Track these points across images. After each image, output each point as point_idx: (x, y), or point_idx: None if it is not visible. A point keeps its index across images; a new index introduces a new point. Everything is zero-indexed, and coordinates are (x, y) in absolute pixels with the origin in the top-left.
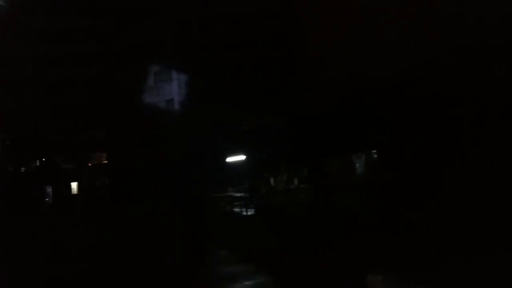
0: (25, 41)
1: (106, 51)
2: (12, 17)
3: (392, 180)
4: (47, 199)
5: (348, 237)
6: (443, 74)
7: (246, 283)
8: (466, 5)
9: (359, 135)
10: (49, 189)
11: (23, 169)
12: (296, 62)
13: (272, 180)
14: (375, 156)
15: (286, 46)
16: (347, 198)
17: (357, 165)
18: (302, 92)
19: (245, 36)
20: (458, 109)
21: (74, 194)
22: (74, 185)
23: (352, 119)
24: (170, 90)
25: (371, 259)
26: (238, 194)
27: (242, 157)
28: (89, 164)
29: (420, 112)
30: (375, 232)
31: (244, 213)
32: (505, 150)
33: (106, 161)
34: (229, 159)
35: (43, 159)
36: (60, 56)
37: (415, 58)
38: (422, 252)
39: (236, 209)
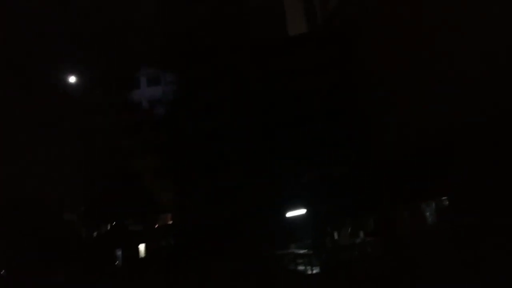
0: (95, 112)
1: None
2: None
3: (468, 226)
4: (117, 262)
5: None
6: None
7: None
8: None
9: (426, 182)
10: (119, 252)
11: (95, 233)
12: (360, 109)
13: (336, 234)
14: (446, 202)
15: (350, 94)
16: (418, 249)
17: (427, 213)
18: (365, 140)
19: (308, 86)
20: None
21: (142, 257)
22: (142, 247)
23: (418, 166)
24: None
25: None
26: (302, 251)
27: (303, 211)
28: (156, 226)
29: (488, 157)
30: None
31: (309, 271)
32: None
33: (171, 222)
34: (290, 213)
35: (113, 223)
36: (131, 123)
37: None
38: None
39: (300, 267)
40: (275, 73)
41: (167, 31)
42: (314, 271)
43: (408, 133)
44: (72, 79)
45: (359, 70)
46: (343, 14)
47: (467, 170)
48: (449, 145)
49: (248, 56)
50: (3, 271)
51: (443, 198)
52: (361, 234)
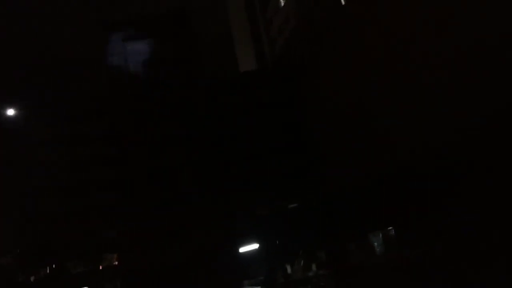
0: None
1: (122, 156)
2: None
3: (415, 258)
4: None
5: None
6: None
7: None
8: None
9: (375, 214)
10: None
11: (32, 278)
12: (309, 146)
13: (289, 268)
14: (393, 233)
15: (299, 131)
16: (370, 280)
17: (375, 244)
18: (315, 175)
19: (259, 121)
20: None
21: None
22: None
23: (367, 198)
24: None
25: None
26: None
27: (255, 246)
28: (100, 267)
29: (432, 189)
30: None
31: None
32: None
33: (117, 263)
34: (242, 249)
35: (53, 266)
36: (74, 160)
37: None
38: None
39: None
40: (225, 109)
41: (118, 68)
42: None
43: (355, 167)
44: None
45: (306, 106)
46: (290, 55)
47: (412, 203)
48: (395, 180)
49: (200, 92)
50: None
51: (390, 229)
52: (314, 267)
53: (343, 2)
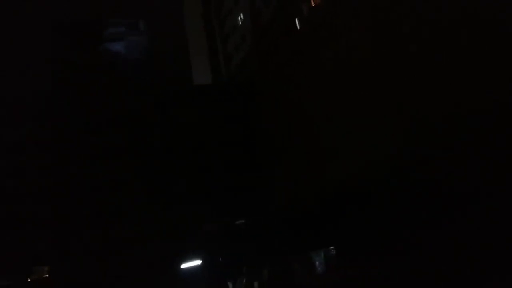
0: None
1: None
2: None
3: (355, 278)
4: None
5: None
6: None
7: None
8: None
9: (319, 233)
10: None
11: None
12: (259, 162)
13: (231, 286)
14: (333, 252)
15: (250, 147)
16: None
17: (317, 263)
18: (264, 191)
19: (209, 135)
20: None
21: None
22: None
23: (309, 218)
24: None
25: None
26: None
27: (198, 262)
28: (29, 280)
29: (374, 209)
30: None
31: None
32: None
33: (47, 276)
34: (185, 264)
35: None
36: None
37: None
38: None
39: None
40: (176, 120)
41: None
42: None
43: (301, 185)
44: None
45: (258, 122)
46: (244, 72)
47: (354, 221)
48: (341, 198)
49: (151, 102)
50: None
51: (331, 248)
52: (256, 285)
53: (298, 26)
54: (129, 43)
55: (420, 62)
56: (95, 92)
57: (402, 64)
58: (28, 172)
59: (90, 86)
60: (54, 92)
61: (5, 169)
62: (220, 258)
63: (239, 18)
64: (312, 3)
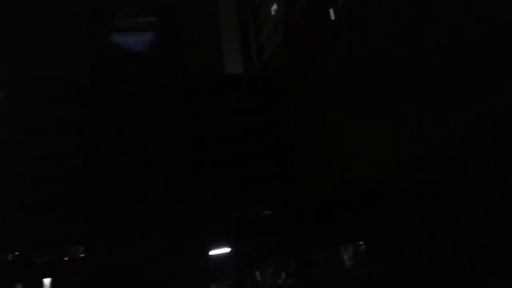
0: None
1: (95, 149)
2: None
3: (380, 273)
4: None
5: None
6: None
7: None
8: None
9: (347, 227)
10: (20, 287)
11: None
12: (288, 153)
13: (258, 275)
14: (363, 247)
15: (279, 138)
16: None
17: (345, 257)
18: (289, 183)
19: (238, 126)
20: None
21: None
22: (47, 282)
23: (340, 211)
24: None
25: None
26: None
27: (226, 250)
28: (66, 259)
29: (405, 205)
30: None
31: None
32: None
33: (83, 255)
34: (213, 252)
35: (15, 253)
36: (40, 150)
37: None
38: None
39: None
40: (206, 110)
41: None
42: None
43: (331, 178)
44: None
45: (288, 114)
46: (277, 63)
47: (386, 217)
48: (368, 193)
49: (181, 91)
50: None
51: (360, 243)
52: (283, 275)
53: (332, 17)
54: (162, 32)
55: (460, 61)
56: (127, 81)
57: (442, 61)
58: (63, 155)
59: (122, 75)
60: (86, 79)
61: (41, 152)
62: (248, 247)
63: (273, 8)
64: None
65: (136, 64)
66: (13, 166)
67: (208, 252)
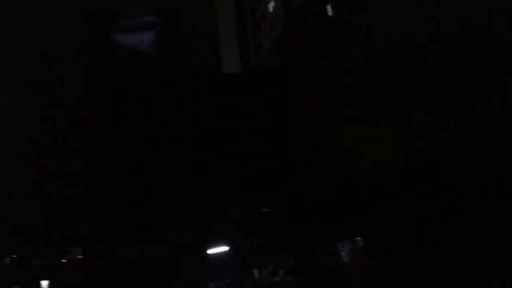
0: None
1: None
2: None
3: (379, 269)
4: None
5: None
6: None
7: None
8: None
9: (346, 225)
10: None
11: None
12: (286, 151)
13: (256, 272)
14: (360, 243)
15: (278, 136)
16: None
17: (343, 253)
18: (287, 181)
19: (236, 125)
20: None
21: None
22: (45, 284)
23: (338, 209)
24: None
25: None
26: None
27: (224, 248)
28: (64, 261)
29: (403, 202)
30: None
31: None
32: None
33: (81, 257)
34: (211, 251)
35: (13, 256)
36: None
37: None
38: None
39: None
40: (205, 108)
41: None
42: None
43: (331, 176)
44: None
45: (286, 112)
46: (274, 60)
47: (383, 213)
48: (368, 191)
49: (180, 90)
50: None
51: (358, 239)
52: (281, 273)
53: (330, 13)
54: (159, 31)
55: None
56: (126, 81)
57: (444, 59)
58: (65, 154)
59: (122, 75)
60: (88, 79)
61: (43, 152)
62: (245, 246)
63: (271, 5)
64: None
65: (136, 64)
66: (13, 166)
67: (206, 250)
